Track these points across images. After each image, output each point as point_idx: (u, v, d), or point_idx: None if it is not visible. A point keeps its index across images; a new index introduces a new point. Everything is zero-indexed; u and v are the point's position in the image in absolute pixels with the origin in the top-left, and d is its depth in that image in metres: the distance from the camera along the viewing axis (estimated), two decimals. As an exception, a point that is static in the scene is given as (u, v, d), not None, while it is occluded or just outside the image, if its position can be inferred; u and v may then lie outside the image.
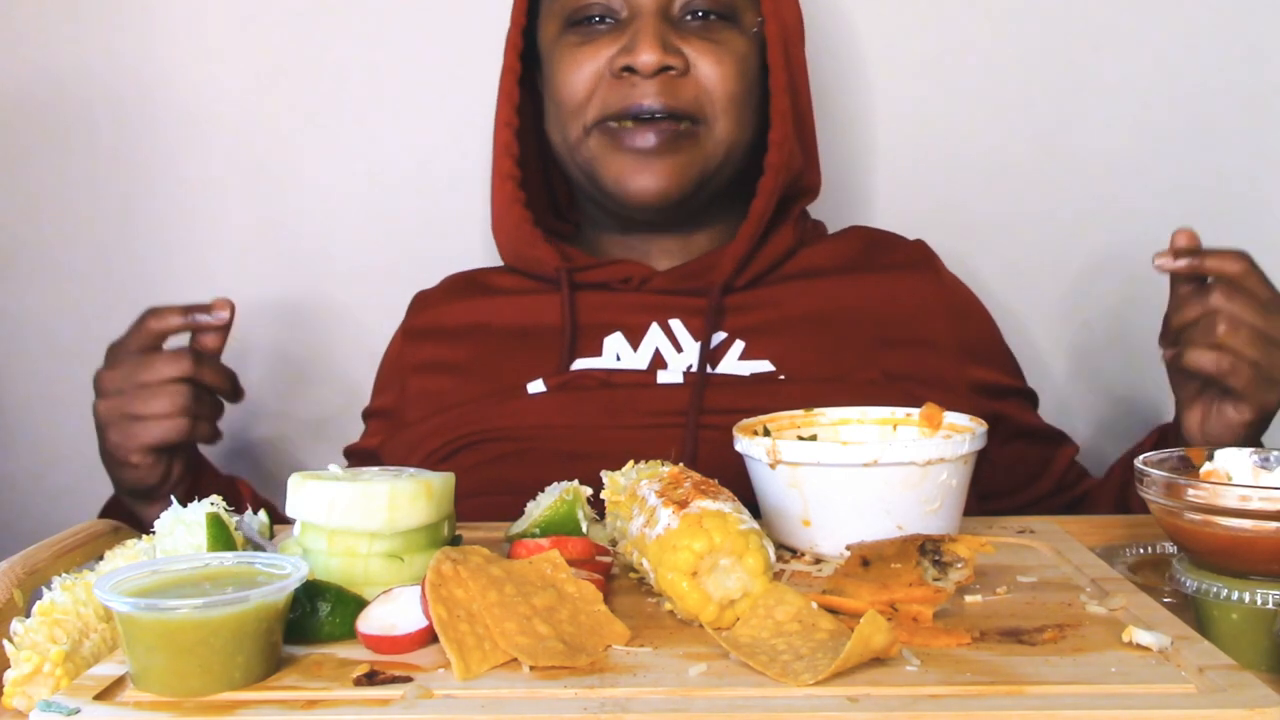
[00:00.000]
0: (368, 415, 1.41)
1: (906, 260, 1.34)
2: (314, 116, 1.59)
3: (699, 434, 1.16)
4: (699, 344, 1.23)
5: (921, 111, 1.58)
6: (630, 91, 1.22)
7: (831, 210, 1.46)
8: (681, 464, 0.88)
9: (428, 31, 1.58)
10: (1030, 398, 1.37)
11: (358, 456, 1.39)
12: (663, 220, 1.30)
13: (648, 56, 1.20)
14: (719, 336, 1.24)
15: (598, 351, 1.25)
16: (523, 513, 0.95)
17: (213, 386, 1.20)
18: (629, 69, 1.21)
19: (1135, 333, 1.58)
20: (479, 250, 1.54)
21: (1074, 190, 1.57)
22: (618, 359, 1.24)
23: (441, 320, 1.35)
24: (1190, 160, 1.55)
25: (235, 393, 1.23)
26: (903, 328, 1.27)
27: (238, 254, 1.59)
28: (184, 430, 1.16)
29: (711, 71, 1.23)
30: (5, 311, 1.60)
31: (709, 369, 1.22)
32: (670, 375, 1.22)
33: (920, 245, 1.37)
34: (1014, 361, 1.37)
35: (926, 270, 1.33)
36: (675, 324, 1.26)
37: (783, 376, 1.21)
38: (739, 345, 1.23)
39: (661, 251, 1.33)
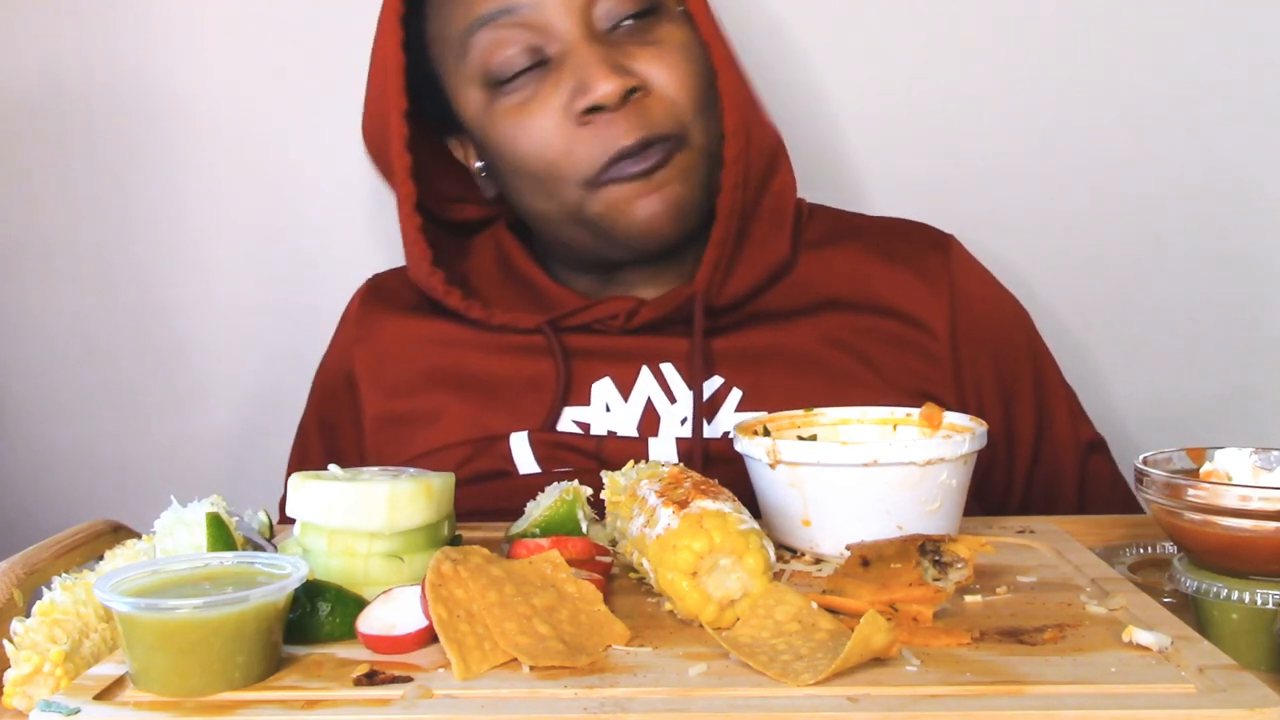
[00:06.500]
0: (310, 428, 1.30)
1: (918, 281, 1.21)
2: (314, 116, 1.58)
3: None
4: (692, 394, 1.13)
5: (920, 111, 1.57)
6: (605, 134, 1.10)
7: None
8: (681, 464, 0.88)
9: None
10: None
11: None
12: (678, 246, 1.19)
13: (606, 87, 1.08)
14: (714, 383, 1.15)
15: (585, 400, 1.15)
16: (523, 512, 0.95)
17: None
18: (594, 109, 1.09)
19: (1136, 332, 1.58)
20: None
21: (1073, 190, 1.57)
22: (607, 409, 1.15)
23: (399, 357, 1.22)
24: (1191, 160, 1.55)
25: None
26: (907, 377, 1.17)
27: (237, 254, 1.59)
28: None
29: (668, 80, 1.12)
30: (5, 312, 1.60)
31: (705, 422, 1.13)
32: (663, 445, 1.12)
33: (938, 256, 1.24)
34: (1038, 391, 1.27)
35: (939, 290, 1.21)
36: (667, 369, 1.16)
37: None
38: (735, 395, 1.14)
39: (646, 280, 1.23)
